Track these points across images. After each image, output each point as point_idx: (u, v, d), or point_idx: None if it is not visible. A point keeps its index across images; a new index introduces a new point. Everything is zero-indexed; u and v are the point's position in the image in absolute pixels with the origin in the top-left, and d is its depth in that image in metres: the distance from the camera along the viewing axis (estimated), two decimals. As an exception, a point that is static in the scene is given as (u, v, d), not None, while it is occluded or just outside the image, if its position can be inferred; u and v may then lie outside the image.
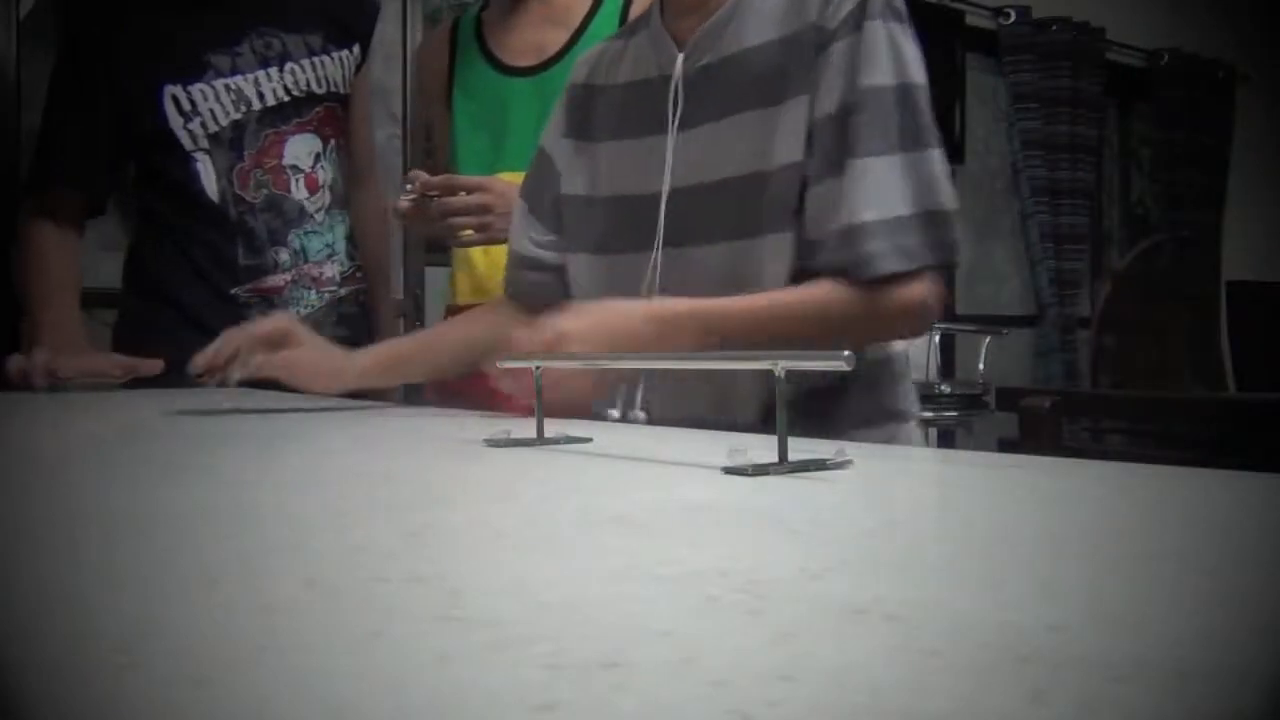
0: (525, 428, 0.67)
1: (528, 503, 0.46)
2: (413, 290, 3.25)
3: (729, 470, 0.50)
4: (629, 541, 0.35)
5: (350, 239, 1.62)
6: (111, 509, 0.43)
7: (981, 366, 3.87)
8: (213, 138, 1.50)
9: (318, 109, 1.57)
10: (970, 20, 3.89)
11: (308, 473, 0.58)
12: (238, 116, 1.51)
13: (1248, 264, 4.38)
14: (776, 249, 0.88)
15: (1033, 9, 3.96)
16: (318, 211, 1.56)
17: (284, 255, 1.52)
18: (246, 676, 0.20)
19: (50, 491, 0.49)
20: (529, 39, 1.42)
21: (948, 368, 4.13)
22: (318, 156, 1.57)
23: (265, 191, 1.52)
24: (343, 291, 1.60)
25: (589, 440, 0.67)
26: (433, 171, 1.36)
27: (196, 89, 1.49)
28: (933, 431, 3.86)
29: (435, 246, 3.60)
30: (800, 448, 0.53)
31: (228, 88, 1.51)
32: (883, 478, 0.55)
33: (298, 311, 1.51)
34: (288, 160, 1.54)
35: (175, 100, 1.49)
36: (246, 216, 1.51)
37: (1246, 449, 1.50)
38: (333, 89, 1.59)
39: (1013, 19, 3.93)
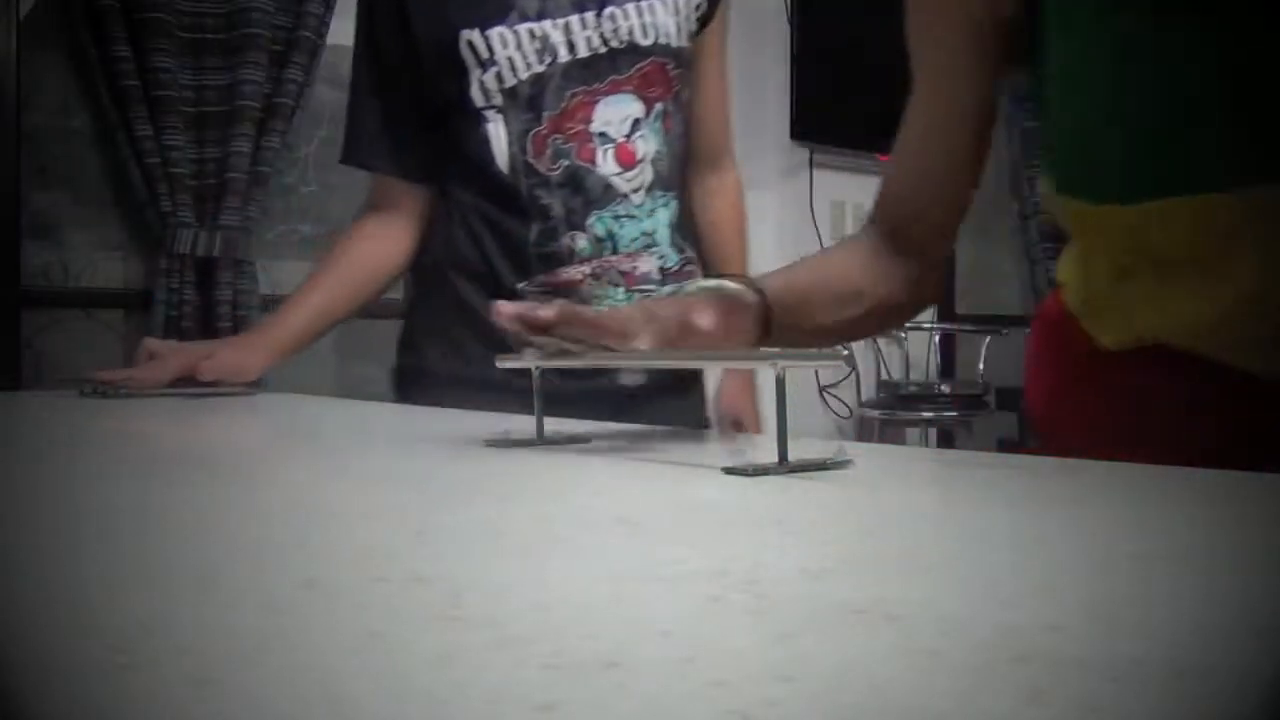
0: (525, 428, 0.67)
1: (528, 503, 0.46)
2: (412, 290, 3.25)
3: (729, 470, 0.50)
4: (629, 541, 0.35)
5: (679, 228, 1.31)
6: (112, 508, 0.43)
7: (981, 366, 3.87)
8: (508, 93, 1.22)
9: (641, 65, 1.25)
10: (970, 20, 3.88)
11: (307, 472, 0.58)
12: (540, 69, 1.22)
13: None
14: None
15: (1033, 9, 3.96)
16: (634, 191, 1.25)
17: (582, 242, 1.23)
18: (246, 676, 0.20)
19: (50, 491, 0.49)
20: None
21: (948, 368, 4.13)
22: (636, 123, 1.25)
23: (565, 163, 1.23)
24: (665, 291, 1.26)
25: (589, 440, 0.67)
26: None
27: (495, 33, 1.21)
28: (933, 431, 3.87)
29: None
30: (800, 448, 0.53)
31: (532, 34, 1.22)
32: (883, 478, 0.55)
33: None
34: (596, 126, 1.23)
35: (472, 47, 1.22)
36: (539, 192, 1.23)
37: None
38: (662, 40, 1.26)
39: (1013, 19, 3.93)
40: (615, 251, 1.24)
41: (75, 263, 2.58)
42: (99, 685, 0.20)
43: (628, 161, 1.25)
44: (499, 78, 1.22)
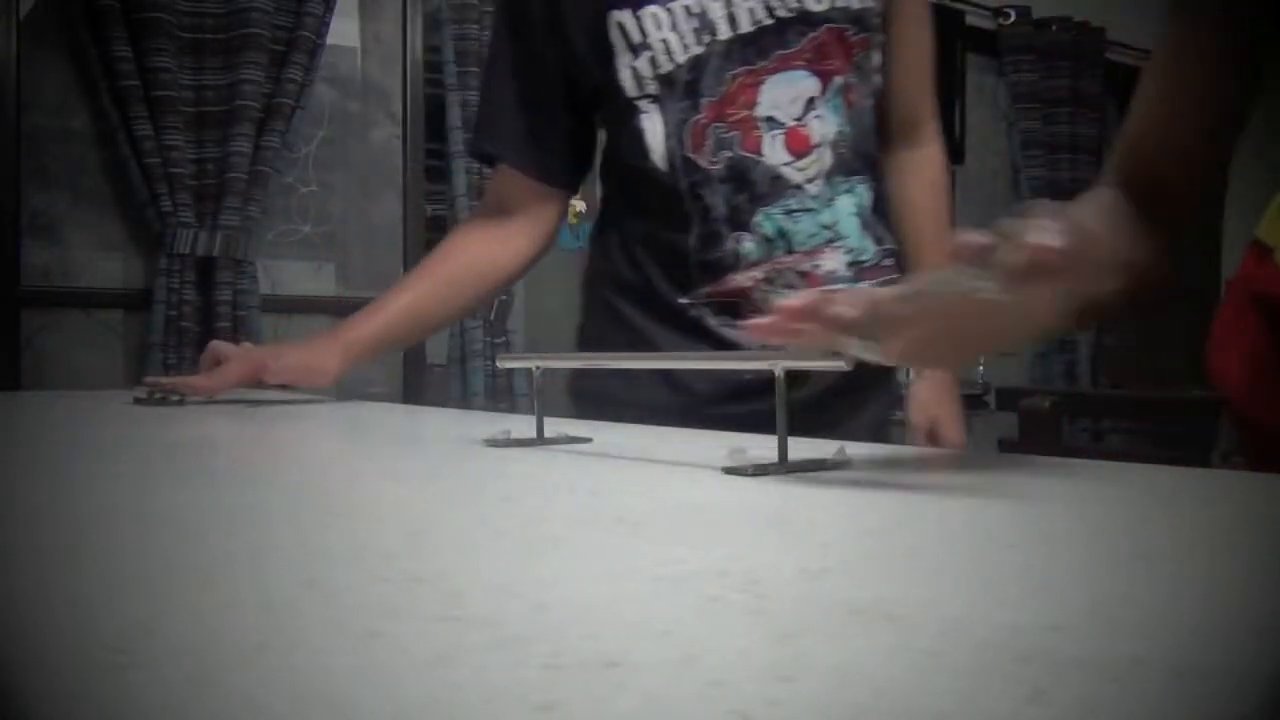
0: (525, 428, 0.67)
1: (528, 503, 0.46)
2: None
3: (729, 470, 0.50)
4: (629, 541, 0.35)
5: (875, 215, 1.11)
6: (112, 509, 0.43)
7: (981, 366, 3.87)
8: (663, 80, 1.06)
9: (814, 35, 1.06)
10: (970, 20, 3.89)
11: (307, 472, 0.58)
12: (699, 50, 1.05)
13: (1248, 264, 4.37)
14: None
15: (1033, 9, 3.96)
16: (810, 181, 1.06)
17: (748, 244, 1.06)
18: (246, 676, 0.20)
19: (49, 491, 0.49)
20: None
21: (948, 368, 4.13)
22: (810, 103, 1.06)
23: (728, 154, 1.05)
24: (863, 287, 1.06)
25: (589, 440, 0.67)
26: None
27: (648, 13, 1.05)
28: (933, 431, 3.86)
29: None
30: (800, 448, 0.53)
31: (688, 10, 1.05)
32: (882, 478, 0.55)
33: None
34: (763, 110, 1.05)
35: (622, 30, 1.06)
36: (702, 190, 1.06)
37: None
38: (840, 3, 1.07)
39: (1013, 19, 3.94)
40: (790, 251, 1.06)
41: (75, 263, 2.58)
42: (99, 685, 0.20)
43: (800, 147, 1.06)
44: (653, 63, 1.05)
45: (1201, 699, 0.19)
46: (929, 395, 1.22)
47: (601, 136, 1.16)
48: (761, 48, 1.05)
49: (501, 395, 3.29)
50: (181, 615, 0.25)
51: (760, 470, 0.50)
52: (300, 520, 0.40)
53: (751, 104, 1.05)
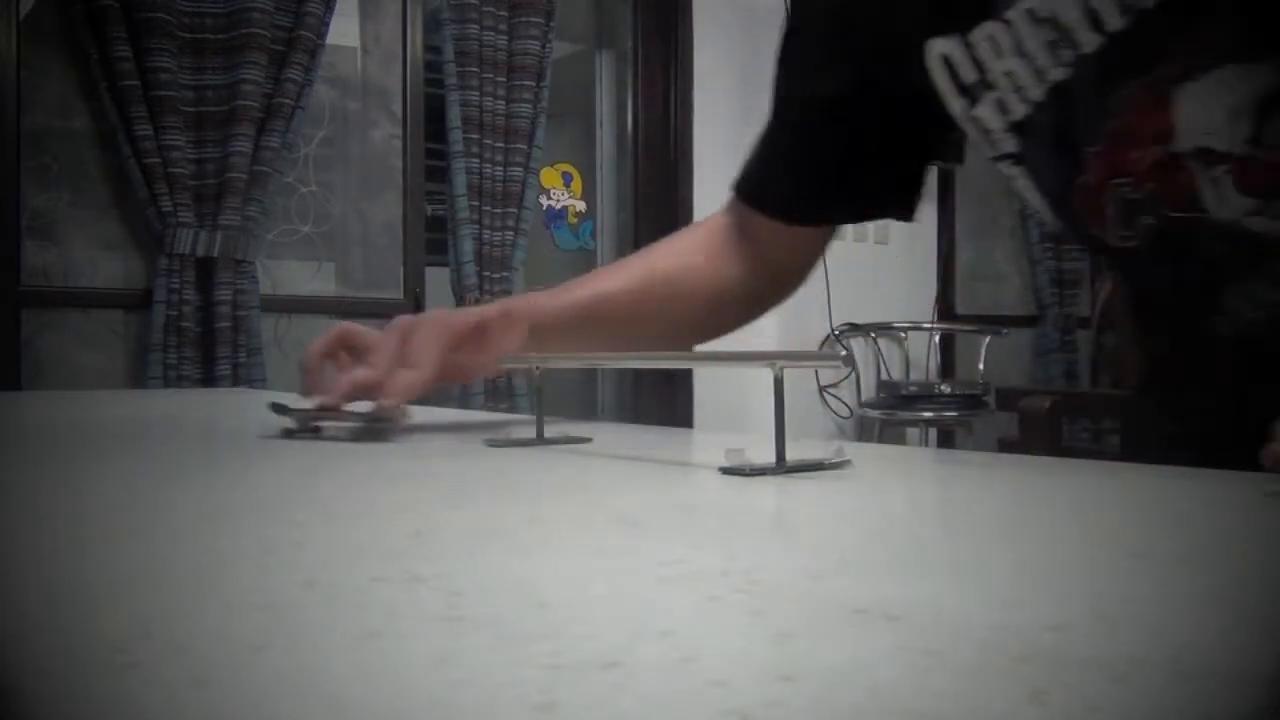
0: (525, 428, 0.67)
1: (528, 503, 0.46)
2: (413, 290, 3.25)
3: (726, 470, 0.50)
4: (629, 541, 0.35)
5: None
6: (112, 508, 0.43)
7: (981, 366, 3.88)
8: (1019, 130, 0.72)
9: None
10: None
11: (307, 472, 0.58)
12: (1060, 75, 0.68)
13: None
14: None
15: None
16: None
17: (1229, 330, 0.65)
18: (246, 676, 0.20)
19: (49, 491, 0.49)
20: None
21: (948, 368, 4.13)
22: (1271, 104, 0.60)
23: (1147, 221, 0.66)
24: None
25: (589, 440, 0.67)
26: None
27: (983, 34, 0.70)
28: (933, 431, 3.87)
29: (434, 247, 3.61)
30: (798, 448, 0.53)
31: (1033, 16, 0.67)
32: (882, 478, 0.55)
33: None
34: (1184, 140, 0.63)
35: (948, 64, 0.74)
36: (1131, 275, 0.74)
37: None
38: None
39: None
40: None
41: (75, 263, 2.58)
42: (99, 685, 0.20)
43: (1273, 183, 0.62)
44: (1001, 108, 0.72)
45: (1202, 699, 0.19)
46: None
47: None
48: (1145, 50, 0.64)
49: (501, 395, 3.29)
50: (181, 615, 0.25)
51: (758, 470, 0.50)
52: (300, 520, 0.40)
53: (1165, 135, 0.64)
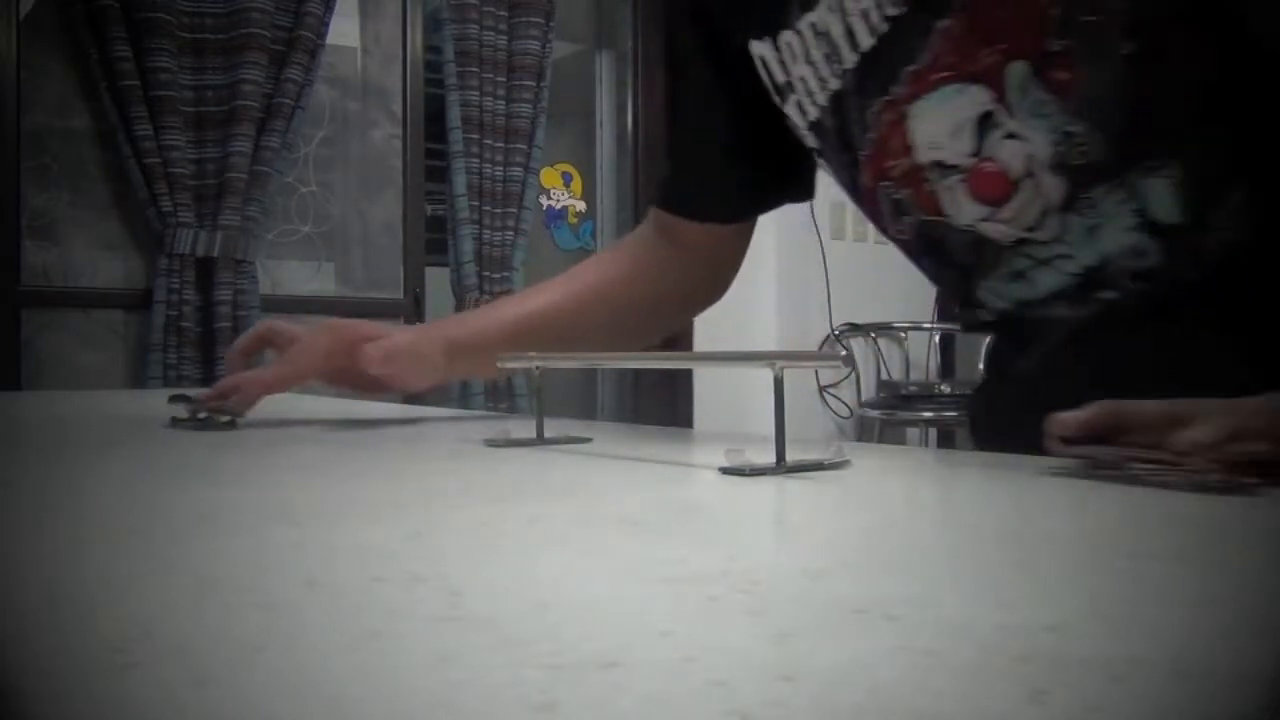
0: (525, 428, 0.67)
1: (528, 503, 0.46)
2: (413, 290, 3.25)
3: (726, 470, 0.50)
4: (629, 541, 0.35)
5: (1185, 205, 0.64)
6: (112, 509, 0.43)
7: (981, 366, 3.87)
8: (815, 129, 0.79)
9: (944, 25, 0.68)
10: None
11: (307, 472, 0.58)
12: (836, 85, 0.75)
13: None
14: None
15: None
16: (1031, 230, 0.68)
17: (987, 316, 0.75)
18: (246, 676, 0.20)
19: (49, 491, 0.49)
20: None
21: (947, 368, 4.13)
22: (985, 121, 0.67)
23: (909, 220, 0.75)
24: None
25: (589, 440, 0.67)
26: None
27: (784, 40, 0.78)
28: (933, 431, 3.87)
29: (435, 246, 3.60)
30: (797, 449, 0.53)
31: (814, 29, 0.74)
32: (882, 478, 0.55)
33: None
34: (922, 154, 0.71)
35: (765, 65, 0.81)
36: (914, 263, 0.80)
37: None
38: None
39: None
40: (1045, 313, 0.71)
41: (75, 263, 2.58)
42: (99, 685, 0.20)
43: (993, 192, 0.69)
44: (800, 108, 0.79)
45: (1202, 699, 0.19)
46: None
47: None
48: (887, 66, 0.71)
49: (501, 395, 3.29)
50: (181, 615, 0.25)
51: (758, 471, 0.50)
52: (300, 520, 0.40)
53: (905, 147, 0.72)
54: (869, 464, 0.56)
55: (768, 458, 0.51)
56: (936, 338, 4.09)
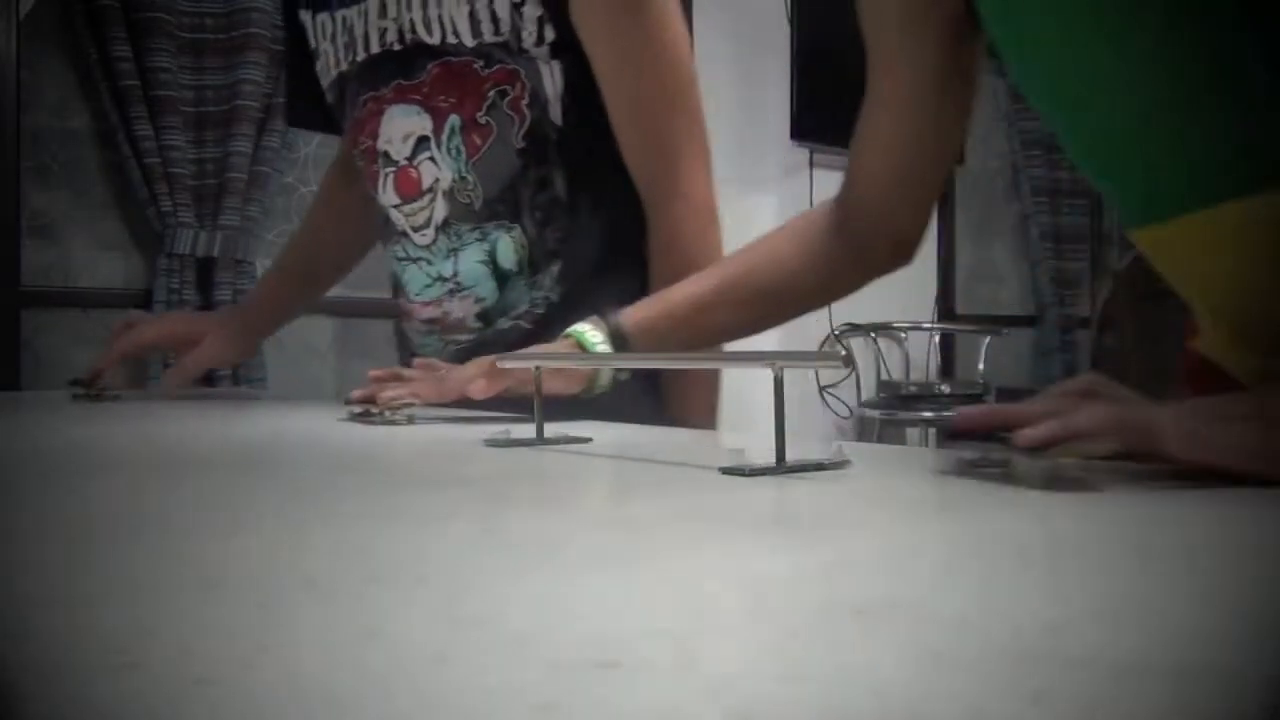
0: (525, 428, 0.67)
1: (527, 503, 0.46)
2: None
3: (727, 470, 0.50)
4: (629, 541, 0.35)
5: (522, 262, 0.98)
6: (111, 509, 0.43)
7: (981, 366, 3.87)
8: (331, 90, 1.11)
9: (431, 67, 0.96)
10: (970, 20, 3.89)
11: (307, 472, 0.58)
12: (344, 68, 1.05)
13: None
14: None
15: (1033, 9, 3.96)
16: (418, 230, 0.99)
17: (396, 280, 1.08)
18: (246, 676, 0.20)
19: (49, 491, 0.49)
20: None
21: (948, 368, 4.13)
22: (421, 142, 0.98)
23: (361, 185, 1.11)
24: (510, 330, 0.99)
25: (589, 440, 0.67)
26: None
27: (320, 19, 1.07)
28: (932, 431, 3.86)
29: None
30: (797, 449, 0.53)
31: (344, 22, 1.03)
32: (881, 478, 0.55)
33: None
34: (381, 143, 1.01)
35: (308, 31, 1.10)
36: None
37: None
38: (450, 39, 0.95)
39: (1013, 19, 3.93)
40: (411, 300, 1.04)
41: (75, 263, 2.58)
42: (99, 685, 0.20)
43: (409, 191, 0.99)
44: (325, 73, 1.08)
45: (1202, 699, 0.19)
46: None
47: None
48: (385, 74, 1.00)
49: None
50: (181, 615, 0.25)
51: (758, 471, 0.50)
52: (300, 520, 0.40)
53: (375, 134, 1.01)
54: (869, 464, 0.56)
55: (768, 458, 0.51)
56: (936, 338, 4.09)
